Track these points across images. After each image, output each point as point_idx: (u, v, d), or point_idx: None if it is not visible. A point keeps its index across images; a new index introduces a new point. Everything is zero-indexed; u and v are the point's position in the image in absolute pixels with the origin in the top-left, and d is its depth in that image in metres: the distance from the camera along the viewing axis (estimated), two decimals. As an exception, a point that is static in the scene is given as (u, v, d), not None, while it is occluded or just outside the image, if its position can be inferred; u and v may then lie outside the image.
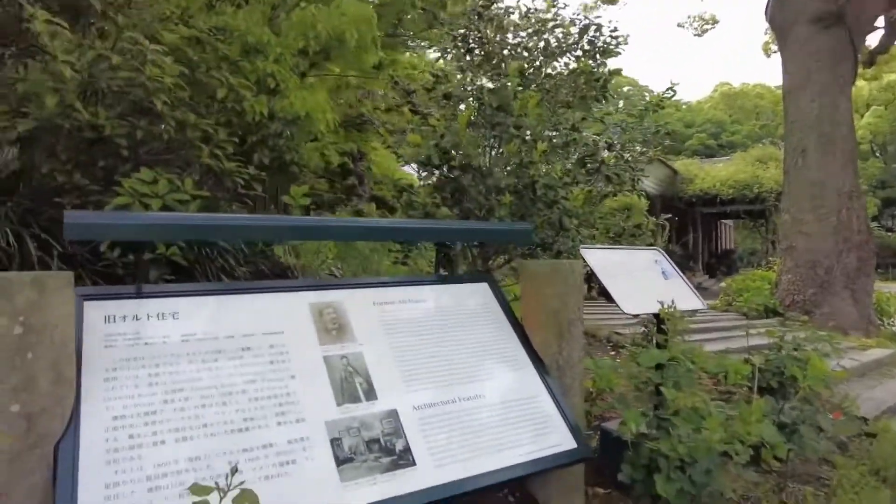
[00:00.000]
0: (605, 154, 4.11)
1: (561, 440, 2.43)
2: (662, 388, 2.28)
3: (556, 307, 2.64)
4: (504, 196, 3.05)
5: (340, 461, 1.99)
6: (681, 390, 2.24)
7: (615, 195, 4.39)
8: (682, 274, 3.33)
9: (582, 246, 3.08)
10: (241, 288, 2.50)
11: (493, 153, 3.62)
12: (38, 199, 2.99)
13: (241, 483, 1.55)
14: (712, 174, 18.53)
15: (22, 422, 1.65)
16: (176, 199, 2.98)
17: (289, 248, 3.96)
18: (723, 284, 12.51)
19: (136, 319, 2.07)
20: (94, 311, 2.03)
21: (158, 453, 1.79)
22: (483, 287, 2.89)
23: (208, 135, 3.31)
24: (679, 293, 3.17)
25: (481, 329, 2.71)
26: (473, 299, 2.83)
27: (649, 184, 14.24)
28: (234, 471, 1.50)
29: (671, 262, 3.39)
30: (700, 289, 7.12)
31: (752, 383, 2.95)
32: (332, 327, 2.38)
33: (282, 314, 2.32)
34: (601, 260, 3.06)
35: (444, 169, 3.38)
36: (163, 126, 3.13)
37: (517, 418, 2.41)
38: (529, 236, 2.82)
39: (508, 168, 3.41)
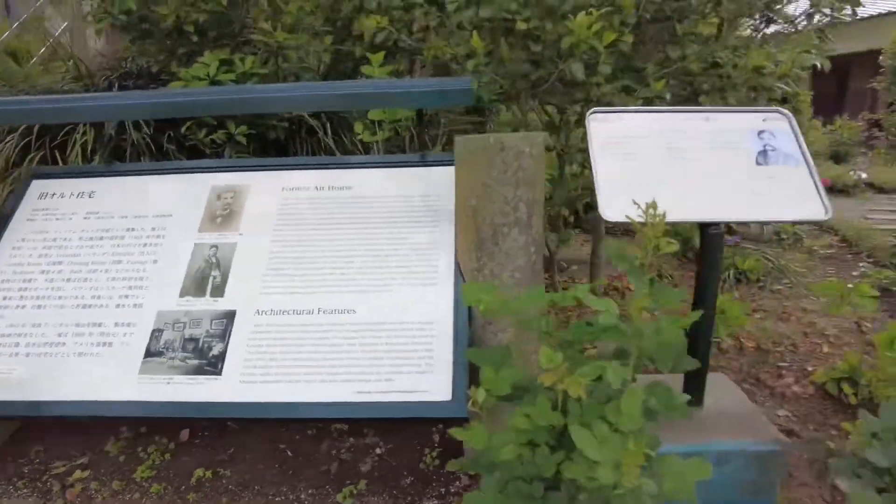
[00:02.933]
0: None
1: (434, 387, 1.76)
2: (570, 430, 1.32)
3: (475, 206, 1.80)
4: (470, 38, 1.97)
5: (149, 353, 1.90)
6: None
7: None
8: (807, 158, 1.80)
9: (594, 110, 1.92)
10: (164, 168, 2.49)
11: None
12: (144, 86, 3.52)
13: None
14: None
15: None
16: (229, 78, 3.11)
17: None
18: None
19: (61, 197, 2.32)
20: (35, 189, 2.35)
21: (14, 315, 2.03)
22: (447, 172, 2.18)
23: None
24: (777, 190, 1.76)
25: (415, 228, 2.08)
26: (425, 188, 2.17)
27: None
28: None
29: (798, 134, 1.86)
30: None
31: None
32: (221, 213, 2.19)
33: (182, 197, 2.25)
34: (620, 131, 1.88)
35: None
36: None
37: (388, 348, 1.84)
38: (468, 96, 1.90)
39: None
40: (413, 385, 1.76)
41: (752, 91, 2.06)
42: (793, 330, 2.95)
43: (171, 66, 3.43)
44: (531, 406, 1.34)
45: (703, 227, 1.74)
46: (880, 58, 10.18)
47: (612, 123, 1.92)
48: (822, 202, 1.72)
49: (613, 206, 1.74)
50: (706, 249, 1.74)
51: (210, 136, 3.26)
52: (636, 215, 1.59)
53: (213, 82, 3.10)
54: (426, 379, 1.77)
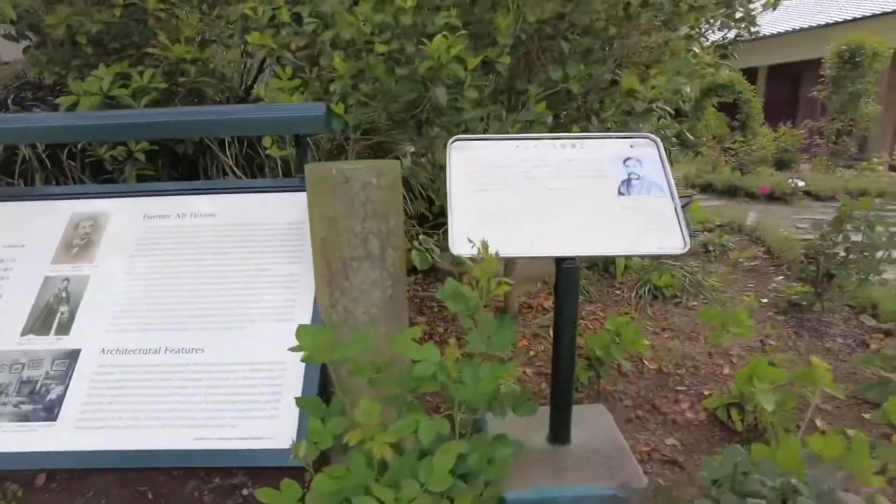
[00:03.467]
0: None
1: (280, 434, 1.66)
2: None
3: (324, 239, 1.71)
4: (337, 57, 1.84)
5: (-20, 399, 1.76)
6: None
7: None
8: (671, 187, 1.76)
9: (456, 138, 1.85)
10: (22, 194, 2.34)
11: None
12: (44, 98, 3.35)
13: None
14: None
15: None
16: (124, 94, 2.96)
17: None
18: None
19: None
20: None
21: None
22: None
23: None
24: (637, 222, 1.71)
25: (279, 259, 1.98)
26: (298, 215, 2.07)
27: None
28: None
29: (665, 161, 1.82)
30: None
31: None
32: (78, 244, 2.06)
33: (38, 226, 2.11)
34: (482, 161, 1.82)
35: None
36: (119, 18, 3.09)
37: (235, 390, 1.73)
38: (321, 123, 1.81)
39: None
40: (258, 431, 1.66)
41: (627, 115, 2.01)
42: (699, 350, 2.93)
43: (67, 79, 3.27)
44: (345, 465, 1.26)
45: (558, 261, 1.68)
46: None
47: (475, 152, 1.86)
48: (682, 235, 1.68)
49: (464, 240, 1.67)
50: (561, 284, 1.68)
51: (110, 153, 3.13)
52: (478, 252, 1.52)
53: (108, 97, 2.96)
54: (273, 424, 1.67)
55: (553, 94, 2.17)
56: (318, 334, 1.41)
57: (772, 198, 7.45)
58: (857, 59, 9.68)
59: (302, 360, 1.37)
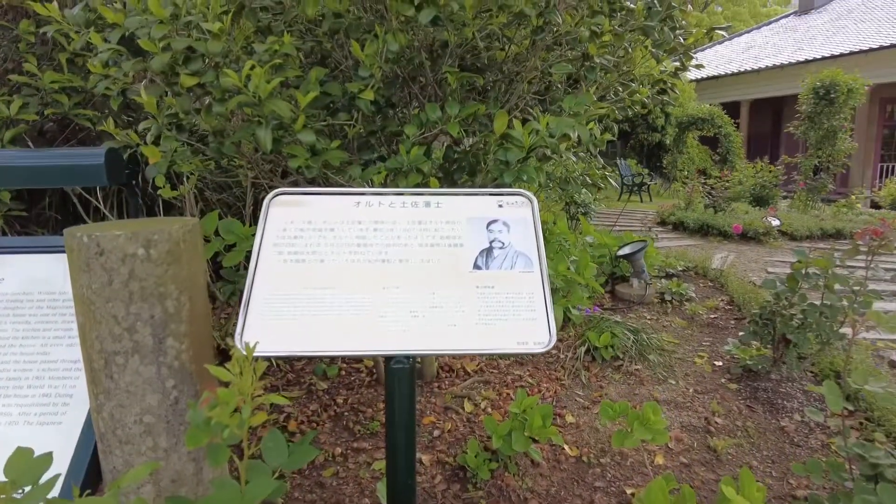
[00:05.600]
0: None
1: (3, 592, 1.21)
2: None
3: (83, 323, 1.30)
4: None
5: None
6: None
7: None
8: (542, 260, 1.37)
9: (277, 192, 1.45)
10: None
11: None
12: None
13: None
14: None
15: None
16: None
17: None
18: None
19: None
20: None
21: None
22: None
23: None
24: (492, 307, 1.31)
25: (61, 340, 1.56)
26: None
27: None
28: None
29: (538, 225, 1.42)
30: None
31: None
32: None
33: None
34: (304, 221, 1.42)
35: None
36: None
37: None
38: (100, 175, 1.41)
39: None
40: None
41: (504, 165, 1.61)
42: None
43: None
44: None
45: (386, 360, 1.27)
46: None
47: (304, 209, 1.46)
48: (548, 327, 1.27)
49: (256, 328, 1.26)
50: (389, 387, 1.27)
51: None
52: (274, 350, 1.12)
53: (-40, 130, 2.56)
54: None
55: (434, 136, 1.79)
56: (35, 463, 1.00)
57: (745, 237, 7.11)
58: (832, 96, 9.48)
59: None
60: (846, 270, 4.35)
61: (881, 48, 15.08)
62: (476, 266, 1.37)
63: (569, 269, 3.71)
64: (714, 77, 19.73)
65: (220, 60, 1.47)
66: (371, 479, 2.16)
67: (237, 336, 1.25)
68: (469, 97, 2.03)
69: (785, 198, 10.34)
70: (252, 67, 1.37)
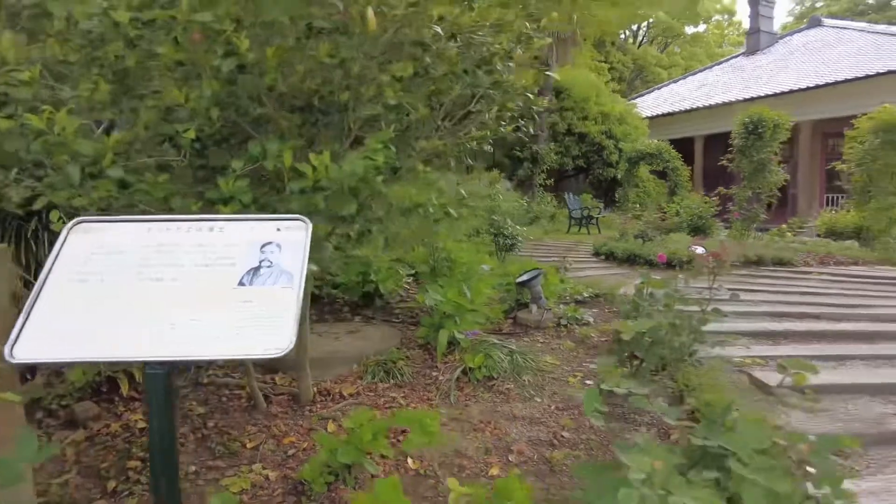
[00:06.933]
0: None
1: None
2: None
3: None
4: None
5: None
6: None
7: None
8: (302, 276, 1.55)
9: (78, 220, 1.63)
10: None
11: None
12: None
13: None
14: None
15: None
16: None
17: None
18: None
19: None
20: None
21: None
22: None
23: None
24: (246, 317, 1.48)
25: None
26: None
27: None
28: None
29: (306, 247, 1.61)
30: None
31: None
32: None
33: None
34: (96, 246, 1.59)
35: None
36: None
37: None
38: None
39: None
40: None
41: (277, 193, 1.81)
42: (478, 444, 2.67)
43: None
44: None
45: (145, 365, 1.43)
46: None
47: (101, 235, 1.63)
48: (291, 333, 1.45)
49: (32, 343, 1.41)
50: (149, 392, 1.42)
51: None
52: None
53: None
54: None
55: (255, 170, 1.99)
56: None
57: (670, 265, 7.40)
58: (760, 130, 10.02)
59: None
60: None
61: (817, 87, 16.00)
62: (241, 283, 1.55)
63: (462, 295, 3.90)
64: (669, 114, 20.58)
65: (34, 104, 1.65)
66: (216, 493, 2.27)
67: (7, 346, 1.40)
68: (301, 132, 2.24)
69: (724, 227, 10.76)
70: (52, 112, 1.55)
